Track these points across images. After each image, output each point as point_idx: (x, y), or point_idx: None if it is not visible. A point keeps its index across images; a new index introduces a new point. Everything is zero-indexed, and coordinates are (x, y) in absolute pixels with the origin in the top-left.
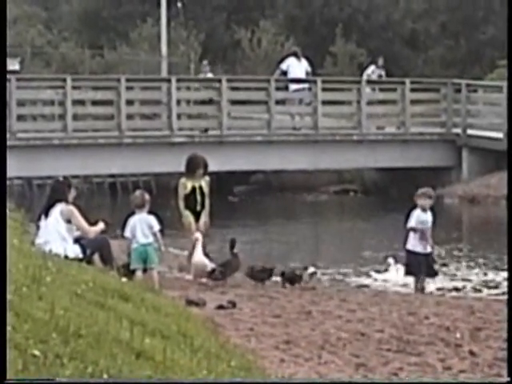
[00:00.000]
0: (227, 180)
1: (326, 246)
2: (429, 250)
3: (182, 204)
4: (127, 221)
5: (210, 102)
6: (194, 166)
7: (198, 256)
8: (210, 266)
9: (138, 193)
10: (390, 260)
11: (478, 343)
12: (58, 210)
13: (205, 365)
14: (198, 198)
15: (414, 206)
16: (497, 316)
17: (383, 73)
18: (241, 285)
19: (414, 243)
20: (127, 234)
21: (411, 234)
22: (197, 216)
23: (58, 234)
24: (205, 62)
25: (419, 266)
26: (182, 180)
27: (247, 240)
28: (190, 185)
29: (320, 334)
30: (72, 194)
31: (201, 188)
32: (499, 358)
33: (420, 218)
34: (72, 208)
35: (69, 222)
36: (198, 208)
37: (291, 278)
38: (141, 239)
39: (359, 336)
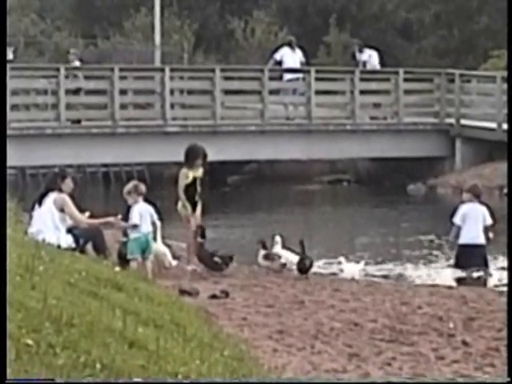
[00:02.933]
0: (220, 170)
1: (318, 236)
2: None
3: (183, 195)
4: (130, 209)
5: (76, 91)
6: (194, 156)
7: (160, 245)
8: (168, 255)
9: (131, 183)
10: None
11: (470, 333)
12: (51, 198)
13: (198, 354)
14: (198, 188)
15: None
16: (490, 306)
17: (375, 54)
18: (234, 274)
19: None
20: (136, 220)
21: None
22: (193, 206)
23: (51, 222)
24: (72, 51)
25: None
26: (184, 170)
27: (240, 229)
28: (191, 175)
29: (313, 323)
30: (68, 185)
31: (200, 178)
32: (492, 348)
33: None
34: (65, 196)
35: (62, 210)
36: (197, 198)
37: (302, 268)
38: (145, 228)
39: (352, 326)
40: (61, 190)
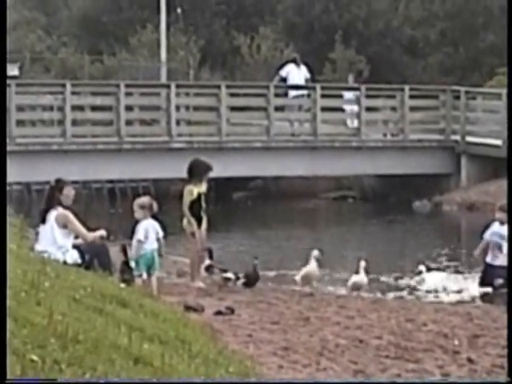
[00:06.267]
0: (226, 186)
1: (324, 253)
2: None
3: (188, 211)
4: (136, 226)
5: None
6: (200, 172)
7: None
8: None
9: (147, 198)
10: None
11: (476, 350)
12: (53, 216)
13: (203, 371)
14: (203, 204)
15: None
16: (495, 323)
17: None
18: (239, 291)
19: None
20: (141, 237)
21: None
22: (199, 222)
23: (54, 239)
24: None
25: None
26: (189, 187)
27: (245, 246)
28: (196, 191)
29: (318, 340)
30: (68, 196)
31: (205, 194)
32: (497, 365)
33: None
34: (67, 214)
35: (65, 227)
36: (202, 214)
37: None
38: (152, 245)
39: (357, 343)
40: (61, 204)
